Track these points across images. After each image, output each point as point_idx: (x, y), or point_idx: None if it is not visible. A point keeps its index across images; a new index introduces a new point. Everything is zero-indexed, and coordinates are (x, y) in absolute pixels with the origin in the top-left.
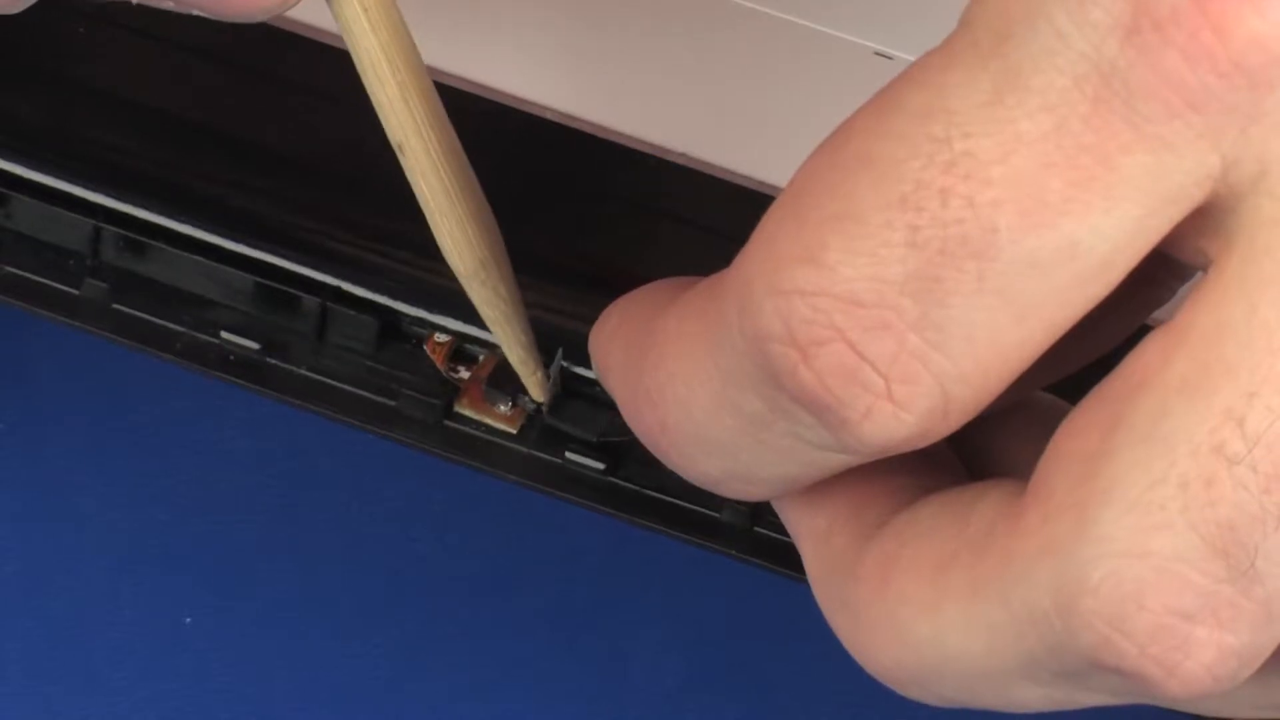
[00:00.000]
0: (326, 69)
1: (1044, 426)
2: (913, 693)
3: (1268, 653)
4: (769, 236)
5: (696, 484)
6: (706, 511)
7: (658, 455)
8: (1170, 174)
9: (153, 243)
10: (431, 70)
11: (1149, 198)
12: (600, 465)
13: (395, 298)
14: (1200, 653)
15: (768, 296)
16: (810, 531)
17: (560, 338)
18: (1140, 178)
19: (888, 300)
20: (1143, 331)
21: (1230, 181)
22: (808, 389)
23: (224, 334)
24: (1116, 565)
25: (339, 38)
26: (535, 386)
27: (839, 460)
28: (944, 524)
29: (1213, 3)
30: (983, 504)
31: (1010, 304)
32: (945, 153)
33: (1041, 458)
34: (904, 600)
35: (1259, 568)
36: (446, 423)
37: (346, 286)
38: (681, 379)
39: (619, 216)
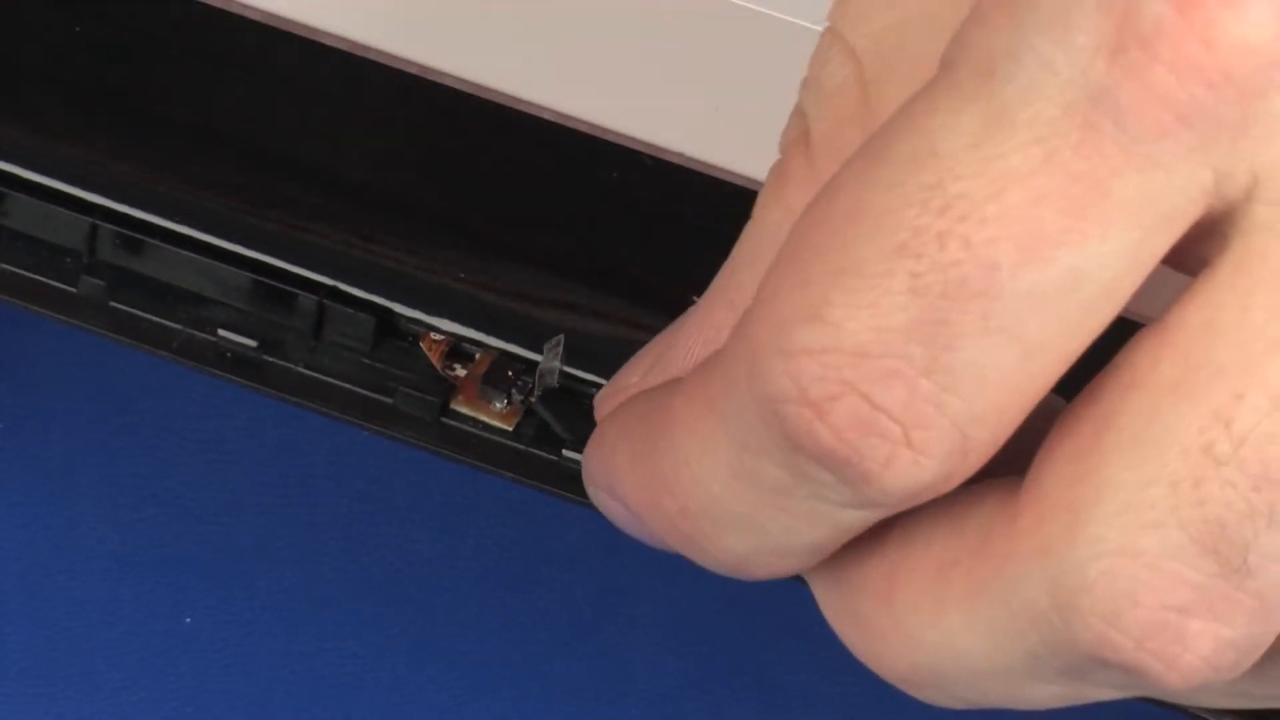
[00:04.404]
0: (325, 69)
1: (1032, 419)
2: (930, 696)
3: (1267, 643)
4: (771, 299)
5: (724, 571)
6: None
7: (681, 547)
8: (1163, 193)
9: (149, 240)
10: (431, 71)
11: (1145, 219)
12: None
13: (392, 297)
14: (1197, 645)
15: (776, 359)
16: None
17: (558, 336)
18: (1134, 200)
19: (895, 349)
20: (1128, 327)
21: (1225, 195)
22: (825, 445)
23: (221, 331)
24: (1110, 564)
25: (337, 38)
26: None
27: (864, 518)
28: (943, 529)
29: (1196, 12)
30: (979, 507)
31: (1018, 340)
32: (938, 197)
33: (1036, 457)
34: (910, 609)
35: (1251, 563)
36: (443, 420)
37: (343, 285)
38: (696, 458)
39: (618, 216)
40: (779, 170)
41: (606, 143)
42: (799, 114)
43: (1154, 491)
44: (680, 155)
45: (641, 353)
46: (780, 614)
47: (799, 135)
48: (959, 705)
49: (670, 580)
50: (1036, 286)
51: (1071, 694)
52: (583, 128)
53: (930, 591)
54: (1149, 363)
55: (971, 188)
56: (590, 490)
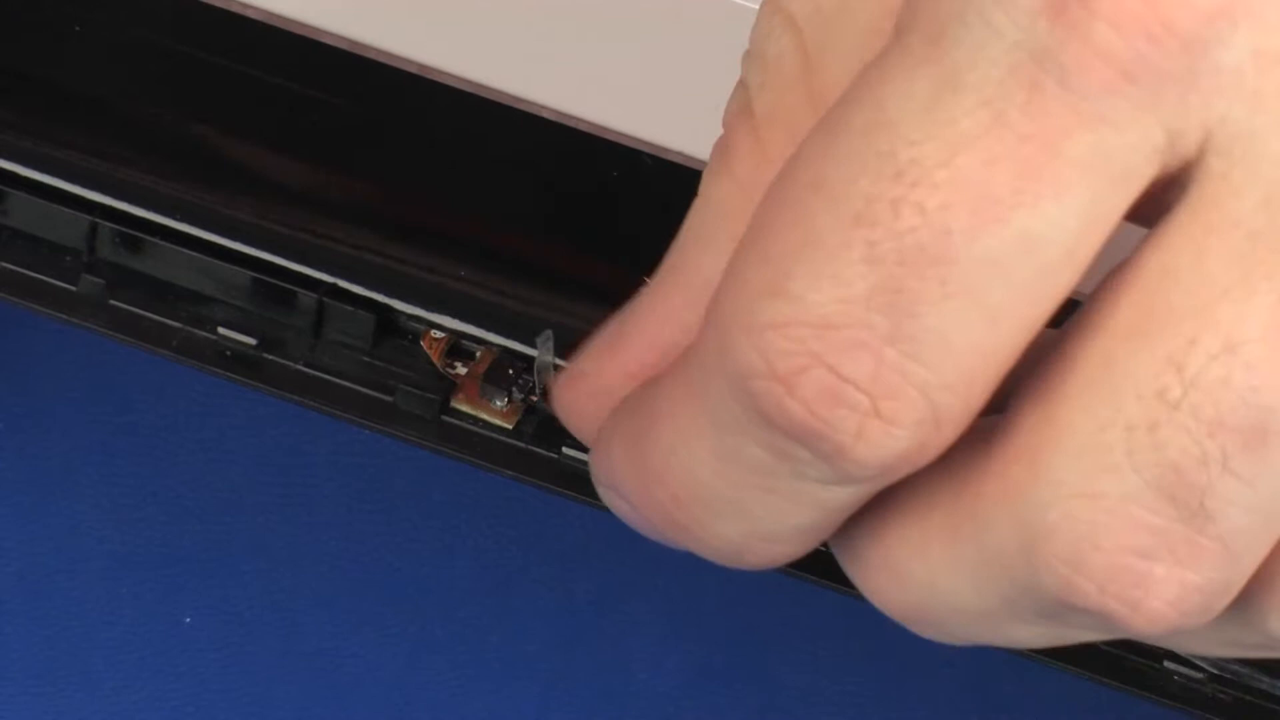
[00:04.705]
0: (325, 68)
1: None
2: (927, 633)
3: (1237, 588)
4: (737, 277)
5: (721, 560)
6: None
7: (677, 537)
8: (1115, 152)
9: (149, 239)
10: (428, 69)
11: (1098, 179)
12: None
13: (392, 295)
14: (1162, 590)
15: (743, 335)
16: None
17: (558, 334)
18: (1085, 160)
19: (857, 318)
20: None
21: (1179, 152)
22: (796, 419)
23: (221, 329)
24: (1070, 507)
25: (337, 37)
26: None
27: (848, 494)
28: (932, 467)
29: None
30: (960, 446)
31: (979, 306)
32: (891, 164)
33: (1011, 398)
34: (898, 544)
35: (1208, 507)
36: (443, 418)
37: (343, 283)
38: (681, 445)
39: (618, 216)
40: (723, 145)
41: (606, 143)
42: (741, 86)
43: (1110, 435)
44: (680, 155)
45: (596, 338)
46: (780, 614)
47: (742, 107)
48: (956, 642)
49: (670, 579)
50: (992, 250)
51: (1054, 635)
52: (583, 127)
53: (916, 528)
54: (1107, 308)
55: (923, 153)
56: (599, 491)
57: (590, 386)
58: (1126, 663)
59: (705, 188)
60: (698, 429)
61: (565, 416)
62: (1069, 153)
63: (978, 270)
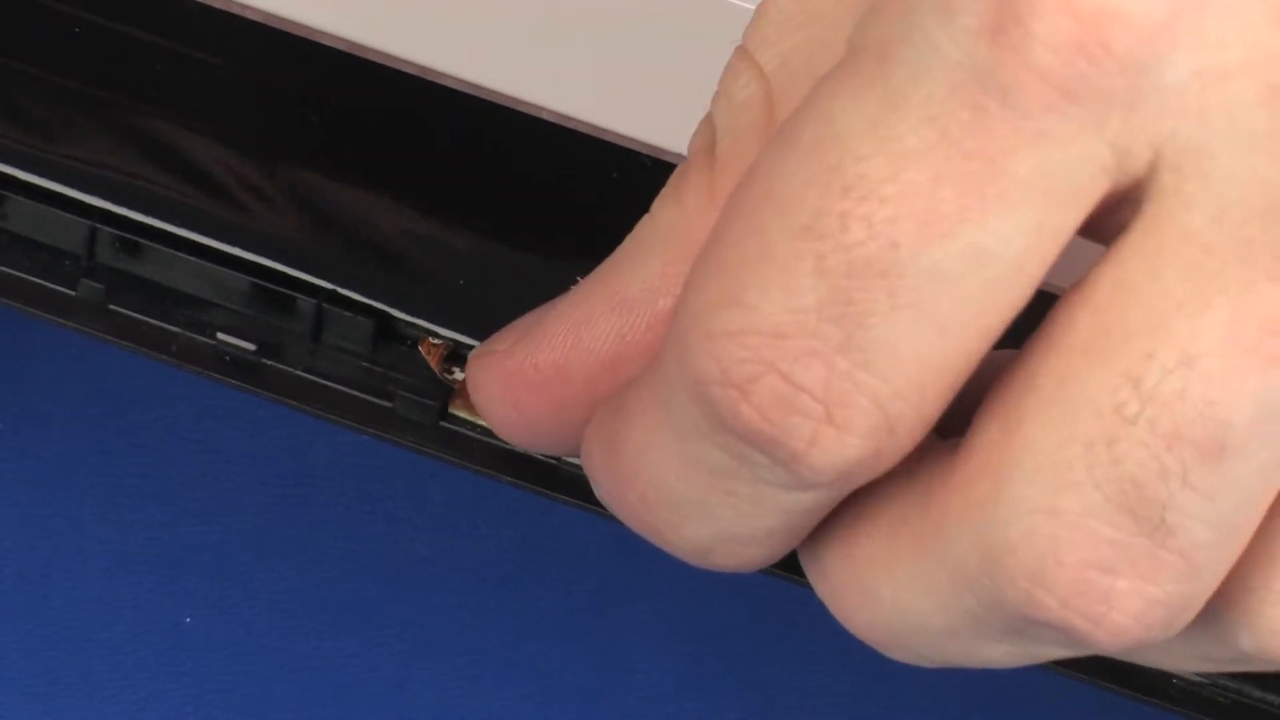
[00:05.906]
0: (325, 70)
1: (980, 376)
2: (895, 654)
3: (1200, 602)
4: (695, 286)
5: (689, 559)
6: None
7: (646, 533)
8: (1059, 169)
9: (148, 244)
10: (431, 71)
11: (1043, 196)
12: None
13: (390, 301)
14: (1124, 604)
15: (700, 343)
16: None
17: None
18: (1030, 177)
19: (809, 328)
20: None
21: (1128, 169)
22: (752, 425)
23: (220, 335)
24: (1031, 523)
25: (337, 38)
26: None
27: (809, 500)
28: (897, 485)
29: None
30: (925, 463)
31: (928, 318)
32: (839, 179)
33: (975, 416)
34: (867, 563)
35: (1169, 522)
36: (442, 424)
37: (342, 289)
38: (648, 447)
39: (618, 217)
40: (681, 173)
41: (606, 143)
42: (708, 122)
43: (1070, 451)
44: (680, 155)
45: (516, 322)
46: (778, 613)
47: (705, 144)
48: (925, 664)
49: (668, 581)
50: (940, 264)
51: (1023, 653)
52: (583, 128)
53: (883, 547)
54: (1064, 324)
55: (870, 168)
56: (594, 489)
57: (498, 367)
58: (1126, 665)
59: (654, 207)
60: (662, 434)
61: (470, 388)
62: (1014, 170)
63: (925, 283)
